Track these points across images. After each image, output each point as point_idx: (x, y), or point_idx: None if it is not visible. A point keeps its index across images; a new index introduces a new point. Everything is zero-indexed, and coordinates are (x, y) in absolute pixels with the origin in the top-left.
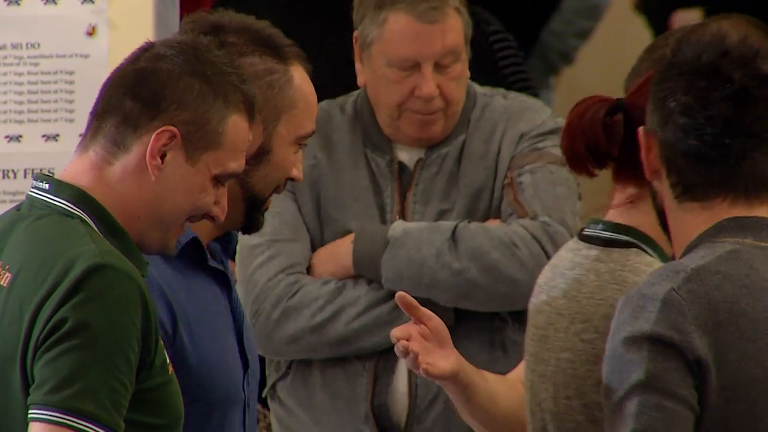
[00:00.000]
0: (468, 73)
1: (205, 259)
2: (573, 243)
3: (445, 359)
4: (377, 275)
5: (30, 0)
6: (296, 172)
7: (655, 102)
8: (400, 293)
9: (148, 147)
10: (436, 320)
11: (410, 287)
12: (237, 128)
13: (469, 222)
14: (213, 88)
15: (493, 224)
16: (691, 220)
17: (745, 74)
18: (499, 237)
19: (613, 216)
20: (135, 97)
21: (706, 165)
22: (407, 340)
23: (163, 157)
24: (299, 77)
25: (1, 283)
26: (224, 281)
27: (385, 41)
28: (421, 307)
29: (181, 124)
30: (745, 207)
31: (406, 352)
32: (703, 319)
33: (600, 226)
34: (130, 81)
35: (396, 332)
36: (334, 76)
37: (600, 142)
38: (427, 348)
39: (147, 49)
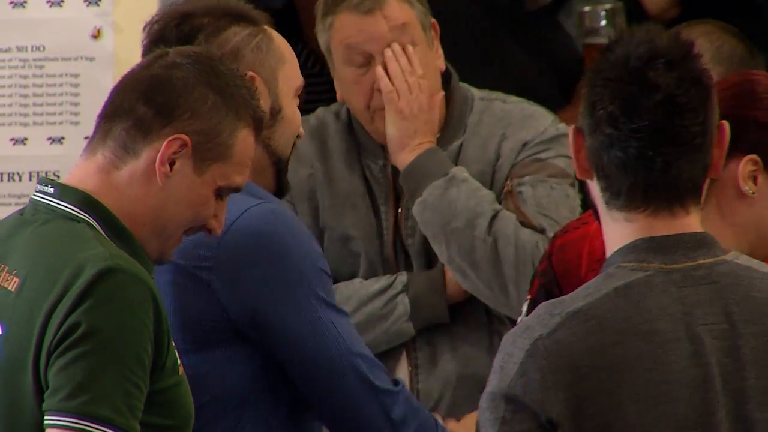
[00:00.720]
0: (439, 64)
1: None
2: None
3: None
4: (415, 189)
5: (35, 2)
6: (301, 130)
7: (585, 106)
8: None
9: (159, 153)
10: None
11: (435, 222)
12: (246, 143)
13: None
14: (226, 100)
15: (525, 229)
16: (615, 231)
17: (671, 80)
18: (524, 243)
19: None
20: (148, 102)
21: (631, 175)
22: None
23: (172, 164)
24: (275, 35)
25: (9, 288)
26: None
27: (335, 43)
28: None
29: (193, 133)
30: (667, 217)
31: None
32: (563, 373)
33: None
34: (144, 86)
35: None
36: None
37: None
38: None
39: (161, 56)
